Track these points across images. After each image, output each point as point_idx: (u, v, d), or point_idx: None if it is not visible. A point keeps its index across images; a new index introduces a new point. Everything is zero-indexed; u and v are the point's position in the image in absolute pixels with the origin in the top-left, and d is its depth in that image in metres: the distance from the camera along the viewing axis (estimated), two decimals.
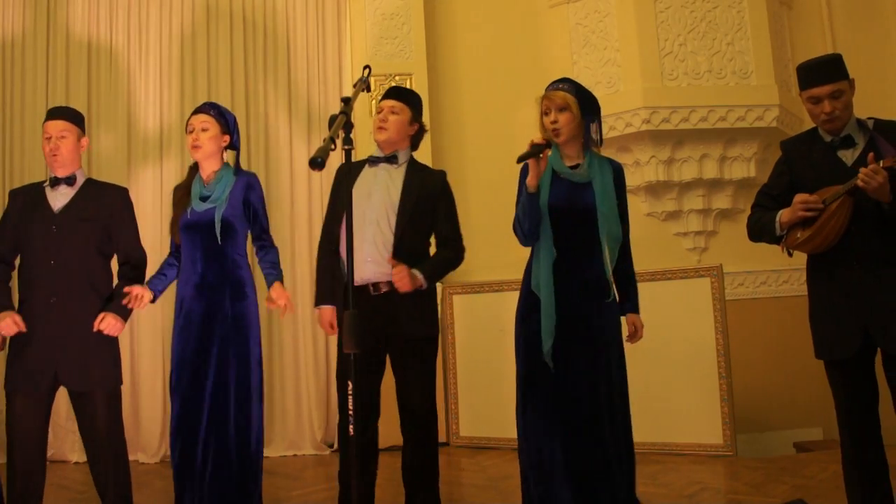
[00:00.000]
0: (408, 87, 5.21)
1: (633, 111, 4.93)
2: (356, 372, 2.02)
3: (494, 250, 5.13)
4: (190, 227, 2.98)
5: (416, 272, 2.79)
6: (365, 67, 2.43)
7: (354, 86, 2.38)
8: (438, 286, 4.90)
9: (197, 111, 3.07)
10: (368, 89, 2.41)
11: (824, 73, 2.52)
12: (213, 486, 2.89)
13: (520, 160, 2.57)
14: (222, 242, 2.94)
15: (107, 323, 2.90)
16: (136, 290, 2.95)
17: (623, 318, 2.77)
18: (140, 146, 5.00)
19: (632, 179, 5.22)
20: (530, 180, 2.59)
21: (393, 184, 2.90)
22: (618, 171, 2.75)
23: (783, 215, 2.57)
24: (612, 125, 5.04)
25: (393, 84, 5.23)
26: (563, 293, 2.60)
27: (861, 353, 2.50)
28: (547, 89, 2.70)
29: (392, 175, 2.93)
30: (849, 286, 2.49)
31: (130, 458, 4.58)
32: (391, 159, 2.94)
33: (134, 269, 3.07)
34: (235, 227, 3.00)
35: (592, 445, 2.56)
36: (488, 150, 5.24)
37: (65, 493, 3.93)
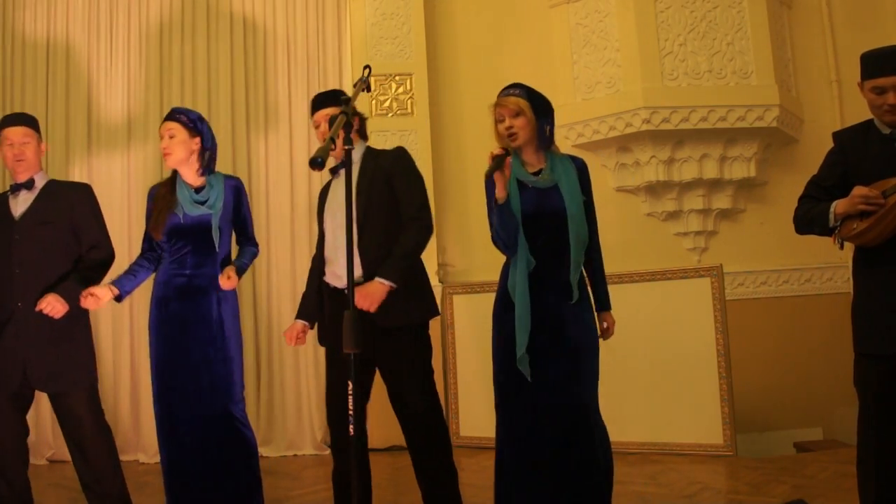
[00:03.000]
0: (407, 87, 5.21)
1: (633, 111, 4.92)
2: (355, 372, 2.02)
3: (494, 251, 5.12)
4: (181, 230, 2.98)
5: (379, 281, 2.68)
6: (365, 67, 2.43)
7: (354, 86, 2.38)
8: (438, 286, 4.92)
9: (164, 119, 3.08)
10: (368, 89, 2.41)
11: (892, 63, 2.47)
12: (210, 487, 2.89)
13: (489, 175, 2.54)
14: (218, 248, 2.98)
15: (46, 302, 2.87)
16: (96, 290, 2.92)
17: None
18: (140, 148, 5.00)
19: (632, 179, 5.23)
20: (499, 192, 2.57)
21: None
22: (581, 169, 2.73)
23: (838, 206, 2.51)
24: (612, 125, 5.04)
25: (393, 83, 5.23)
26: (539, 298, 2.60)
27: None
28: (499, 96, 2.70)
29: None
30: None
31: (130, 458, 4.67)
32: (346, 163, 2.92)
33: (99, 253, 3.07)
34: (227, 233, 3.06)
35: (569, 449, 2.55)
36: (488, 150, 5.21)
37: (65, 493, 3.93)
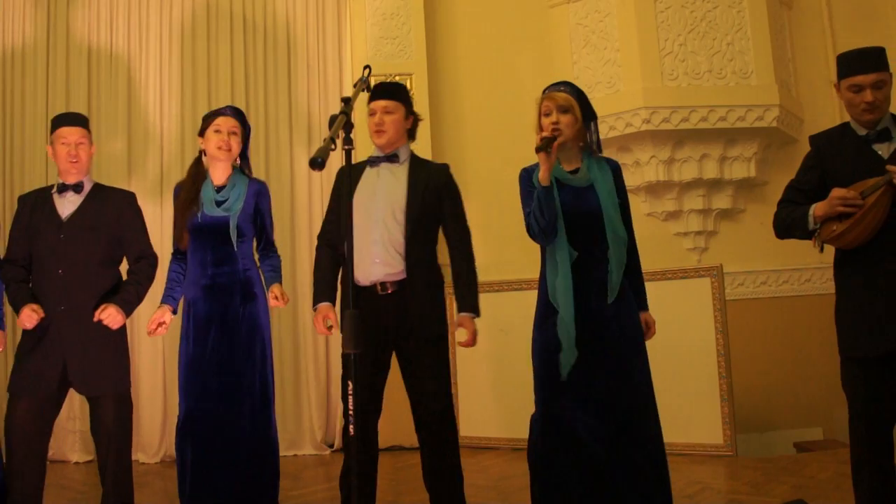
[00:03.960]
0: (408, 86, 5.21)
1: (633, 111, 4.92)
2: (357, 372, 2.02)
3: (494, 251, 5.12)
4: (202, 231, 3.00)
5: (471, 316, 2.86)
6: (365, 67, 2.43)
7: (354, 86, 2.38)
8: None
9: (223, 114, 3.10)
10: (368, 89, 2.42)
11: (869, 61, 2.49)
12: (225, 488, 2.89)
13: (537, 150, 2.53)
14: (237, 247, 2.99)
15: (107, 313, 2.92)
16: (161, 317, 3.03)
17: None
18: (140, 149, 5.00)
19: (632, 179, 5.22)
20: (543, 174, 2.54)
21: (397, 182, 2.88)
22: (616, 171, 2.73)
23: (817, 209, 2.52)
24: (612, 125, 5.04)
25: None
26: (580, 297, 2.57)
27: (890, 352, 2.44)
28: (547, 90, 2.68)
29: (395, 173, 2.90)
30: (883, 282, 2.44)
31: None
32: (392, 158, 2.92)
33: (148, 266, 3.13)
34: (246, 233, 3.06)
35: (621, 451, 2.51)
36: (488, 151, 5.24)
37: (65, 493, 3.93)
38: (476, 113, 5.28)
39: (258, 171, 5.06)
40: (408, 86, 5.20)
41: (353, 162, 3.05)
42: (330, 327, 2.89)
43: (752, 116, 4.95)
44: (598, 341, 2.57)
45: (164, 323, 3.06)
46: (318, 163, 1.92)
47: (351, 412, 2.03)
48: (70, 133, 3.04)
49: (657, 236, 5.28)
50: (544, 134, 2.56)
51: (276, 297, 3.05)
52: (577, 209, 2.61)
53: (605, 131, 5.08)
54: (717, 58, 5.00)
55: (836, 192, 2.46)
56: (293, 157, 5.13)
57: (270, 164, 5.11)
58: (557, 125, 2.60)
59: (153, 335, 3.10)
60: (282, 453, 4.75)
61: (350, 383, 2.03)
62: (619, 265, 2.60)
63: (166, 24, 5.10)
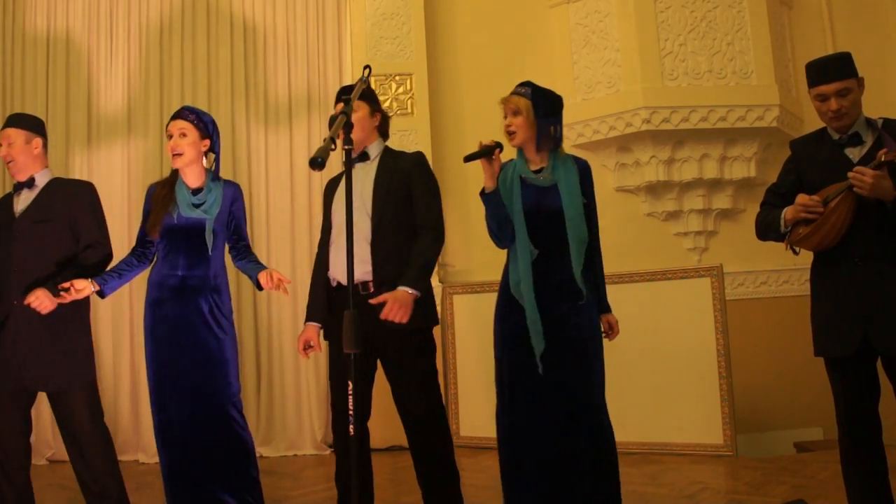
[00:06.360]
0: (407, 87, 5.21)
1: (633, 111, 4.92)
2: (355, 372, 2.02)
3: (494, 250, 5.10)
4: (176, 231, 2.96)
5: (405, 290, 2.66)
6: (365, 67, 2.43)
7: (355, 86, 2.38)
8: (438, 286, 4.92)
9: (174, 117, 3.04)
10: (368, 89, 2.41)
11: (832, 70, 2.54)
12: (208, 488, 2.89)
13: (466, 160, 2.58)
14: (210, 251, 2.96)
15: (34, 297, 2.81)
16: (76, 282, 2.85)
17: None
18: (141, 150, 5.01)
19: (632, 179, 5.23)
20: (486, 181, 2.62)
21: (367, 178, 2.85)
22: (584, 171, 2.74)
23: (787, 212, 2.58)
24: (612, 125, 5.04)
25: (393, 83, 5.23)
26: (539, 295, 2.61)
27: (861, 352, 2.48)
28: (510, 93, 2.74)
29: (367, 171, 2.88)
30: (850, 283, 2.49)
31: (130, 458, 4.67)
32: (363, 157, 2.90)
33: (94, 254, 3.00)
34: (221, 237, 3.04)
35: (577, 446, 2.57)
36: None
37: (65, 493, 3.93)
38: (476, 113, 5.27)
39: (258, 171, 5.09)
40: (408, 86, 5.22)
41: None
42: (309, 348, 2.86)
43: (753, 116, 4.95)
44: (556, 340, 2.60)
45: (73, 286, 2.83)
46: (318, 163, 1.93)
47: (351, 412, 2.03)
48: (1, 136, 3.04)
49: (657, 236, 5.28)
50: (483, 142, 2.61)
51: (272, 280, 2.88)
52: (540, 209, 2.65)
53: (605, 131, 5.09)
54: (717, 58, 5.00)
55: (800, 199, 2.53)
56: (293, 157, 5.12)
57: (270, 165, 5.11)
58: (510, 128, 2.69)
59: (65, 298, 2.87)
60: (282, 453, 4.83)
61: (350, 383, 2.03)
62: (578, 265, 2.63)
63: (166, 23, 5.10)
